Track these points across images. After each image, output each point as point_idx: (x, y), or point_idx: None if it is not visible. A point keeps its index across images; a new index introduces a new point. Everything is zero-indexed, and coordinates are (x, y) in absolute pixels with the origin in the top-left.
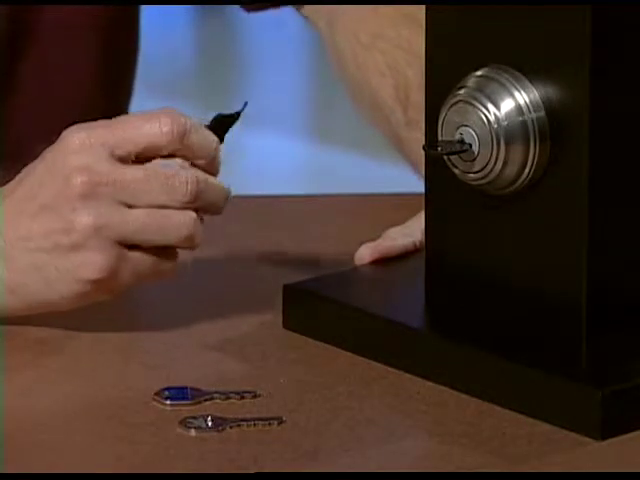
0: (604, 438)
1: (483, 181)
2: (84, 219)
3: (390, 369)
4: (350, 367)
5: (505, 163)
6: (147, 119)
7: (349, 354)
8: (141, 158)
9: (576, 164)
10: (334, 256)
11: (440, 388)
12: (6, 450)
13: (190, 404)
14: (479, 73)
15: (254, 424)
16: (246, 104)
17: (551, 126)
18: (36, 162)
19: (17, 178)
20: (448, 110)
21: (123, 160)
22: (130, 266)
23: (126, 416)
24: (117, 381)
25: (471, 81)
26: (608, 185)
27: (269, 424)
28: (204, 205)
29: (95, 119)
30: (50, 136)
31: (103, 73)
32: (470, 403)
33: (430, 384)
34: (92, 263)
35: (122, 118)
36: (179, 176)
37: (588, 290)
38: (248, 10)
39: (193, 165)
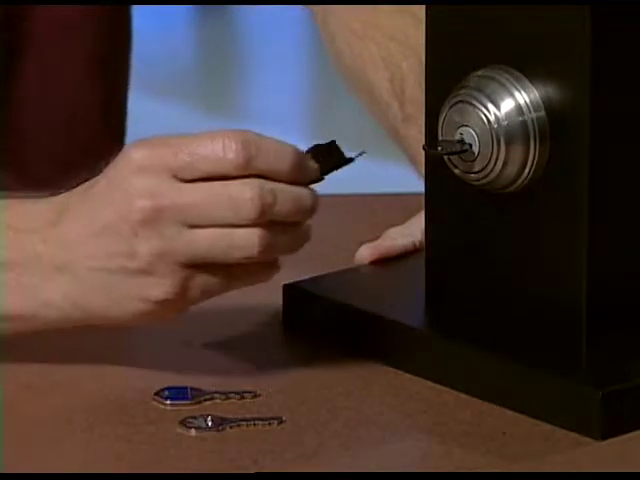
0: (604, 438)
1: (483, 181)
2: (147, 246)
3: (390, 369)
4: (350, 367)
5: (505, 163)
6: (212, 144)
7: (349, 354)
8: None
9: (576, 164)
10: (334, 256)
11: (440, 388)
12: (6, 450)
13: (190, 404)
14: (479, 73)
15: (254, 424)
16: (362, 153)
17: (551, 126)
18: (99, 178)
19: (80, 191)
20: (448, 110)
21: (186, 182)
22: (197, 286)
23: (126, 416)
24: (117, 381)
25: (471, 81)
26: (608, 185)
27: (269, 424)
28: (277, 218)
29: (93, 116)
30: (49, 133)
31: (99, 71)
32: (470, 403)
33: (430, 384)
34: (158, 286)
35: (186, 139)
36: (243, 193)
37: (588, 290)
38: None
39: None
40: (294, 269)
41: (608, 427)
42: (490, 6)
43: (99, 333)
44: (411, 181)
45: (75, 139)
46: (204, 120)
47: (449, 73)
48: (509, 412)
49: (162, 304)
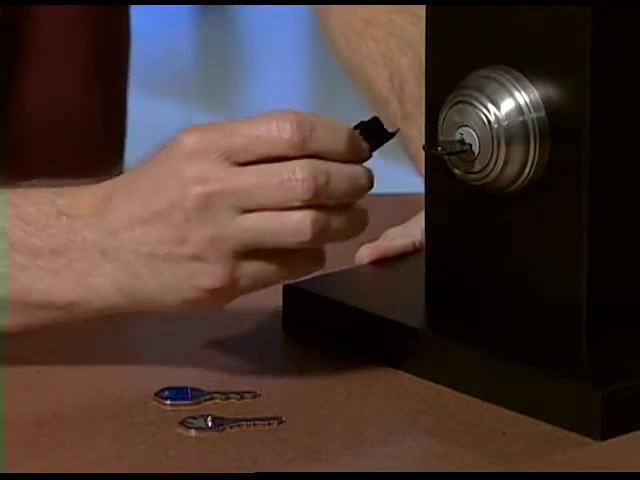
0: (604, 438)
1: (483, 181)
2: (199, 232)
3: (390, 369)
4: (350, 367)
5: (505, 163)
6: (266, 125)
7: (349, 354)
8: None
9: (576, 164)
10: (334, 256)
11: (440, 388)
12: (6, 450)
13: (190, 404)
14: (479, 73)
15: (254, 424)
16: (397, 130)
17: (551, 126)
18: (148, 164)
19: (128, 176)
20: (448, 110)
21: (240, 165)
22: (250, 273)
23: (126, 416)
24: (117, 381)
25: (471, 81)
26: (608, 185)
27: (269, 424)
28: (331, 199)
29: (92, 116)
30: (48, 134)
31: (98, 71)
32: (470, 403)
33: (430, 384)
34: (209, 274)
35: (238, 123)
36: (295, 174)
37: (588, 290)
38: None
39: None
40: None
41: (608, 427)
42: (490, 6)
43: (99, 333)
44: (411, 181)
45: (74, 139)
46: (204, 120)
47: (449, 73)
48: (509, 412)
49: (212, 292)
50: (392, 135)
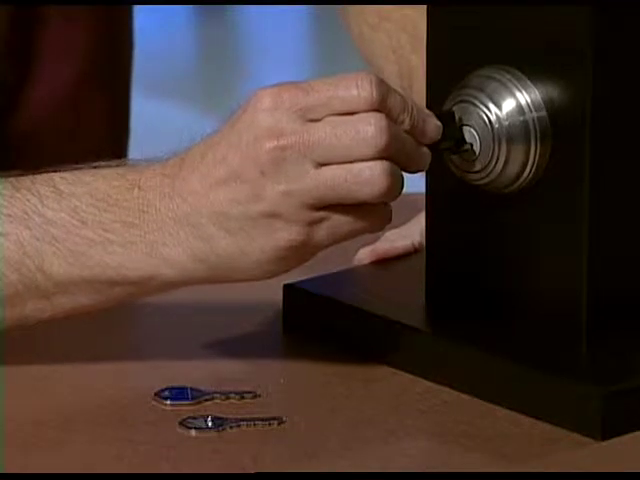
0: (604, 438)
1: (484, 181)
2: (274, 186)
3: (390, 369)
4: (350, 367)
5: (506, 163)
6: (344, 83)
7: (349, 354)
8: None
9: (577, 164)
10: (334, 256)
11: (440, 388)
12: (6, 450)
13: (190, 404)
14: (480, 73)
15: (254, 424)
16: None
17: (552, 126)
18: (223, 129)
19: (200, 143)
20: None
21: (315, 120)
22: (325, 227)
23: (126, 416)
24: (117, 381)
25: (472, 81)
26: (608, 185)
27: (269, 424)
28: (399, 156)
29: (95, 117)
30: (52, 135)
31: (100, 73)
32: (470, 403)
33: (430, 384)
34: (285, 230)
35: (317, 81)
36: (369, 125)
37: (588, 290)
38: None
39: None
40: (294, 269)
41: (608, 427)
42: (490, 6)
43: (99, 333)
44: (411, 181)
45: (80, 140)
46: (204, 120)
47: (449, 73)
48: (509, 412)
49: (290, 249)
50: (463, 142)
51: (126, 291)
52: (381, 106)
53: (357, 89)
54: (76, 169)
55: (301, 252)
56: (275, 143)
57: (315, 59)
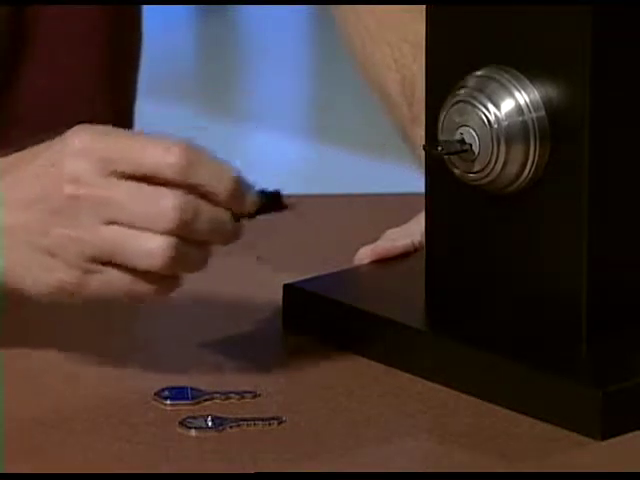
0: (604, 438)
1: (483, 181)
2: (61, 229)
3: (390, 369)
4: (350, 367)
5: (505, 163)
6: (156, 144)
7: (349, 354)
8: (141, 178)
9: (576, 164)
10: (334, 256)
11: (440, 388)
12: (6, 450)
13: (190, 404)
14: (479, 73)
15: (254, 424)
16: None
17: (551, 126)
18: (39, 148)
19: (12, 161)
20: (448, 110)
21: (118, 176)
22: (100, 280)
23: (126, 416)
24: (117, 381)
25: (471, 81)
26: (608, 185)
27: (269, 424)
28: (191, 235)
29: (99, 120)
30: (55, 135)
31: (106, 74)
32: (470, 403)
33: (430, 384)
34: (60, 270)
35: (130, 134)
36: (167, 200)
37: (588, 290)
38: None
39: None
40: (294, 269)
41: (608, 427)
42: (490, 6)
43: (99, 333)
44: (411, 181)
45: None
46: (204, 120)
47: (449, 73)
48: (509, 412)
49: (59, 289)
50: (284, 208)
51: None
52: (184, 176)
53: (165, 152)
54: None
55: (70, 294)
56: (74, 191)
57: (315, 59)
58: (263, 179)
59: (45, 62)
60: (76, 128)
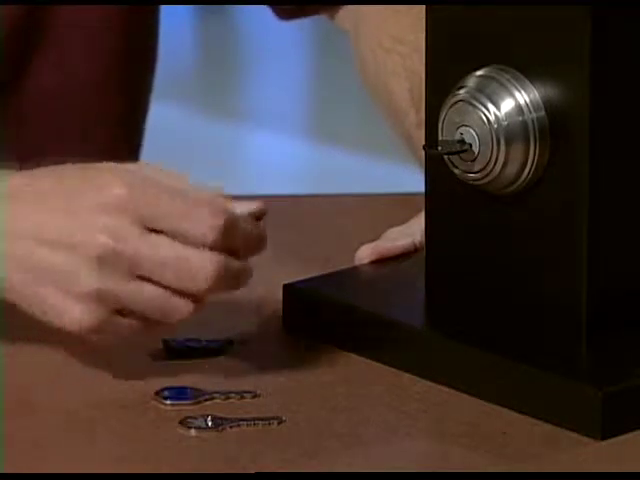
0: (604, 438)
1: (483, 181)
2: (90, 279)
3: (390, 369)
4: (350, 367)
5: (505, 163)
6: (196, 206)
7: (349, 354)
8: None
9: (576, 164)
10: (334, 256)
11: (440, 388)
12: (6, 450)
13: (190, 404)
14: (479, 73)
15: (254, 424)
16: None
17: (551, 126)
18: (70, 185)
19: (37, 183)
20: (448, 110)
21: (155, 230)
22: (114, 328)
23: (126, 416)
24: (117, 381)
25: (471, 81)
26: (608, 185)
27: (269, 424)
28: (219, 290)
29: (110, 120)
30: (64, 136)
31: (117, 75)
32: (470, 403)
33: (430, 384)
34: (79, 316)
35: (171, 191)
36: (205, 267)
37: (588, 290)
38: (281, 18)
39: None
40: (294, 269)
41: (608, 427)
42: (490, 6)
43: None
44: (411, 181)
45: (92, 143)
46: (204, 120)
47: (449, 73)
48: (509, 412)
49: (75, 332)
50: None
51: None
52: (222, 242)
53: (206, 216)
54: None
55: (85, 338)
56: (110, 244)
57: (315, 59)
58: (263, 179)
59: (55, 62)
60: (113, 179)
